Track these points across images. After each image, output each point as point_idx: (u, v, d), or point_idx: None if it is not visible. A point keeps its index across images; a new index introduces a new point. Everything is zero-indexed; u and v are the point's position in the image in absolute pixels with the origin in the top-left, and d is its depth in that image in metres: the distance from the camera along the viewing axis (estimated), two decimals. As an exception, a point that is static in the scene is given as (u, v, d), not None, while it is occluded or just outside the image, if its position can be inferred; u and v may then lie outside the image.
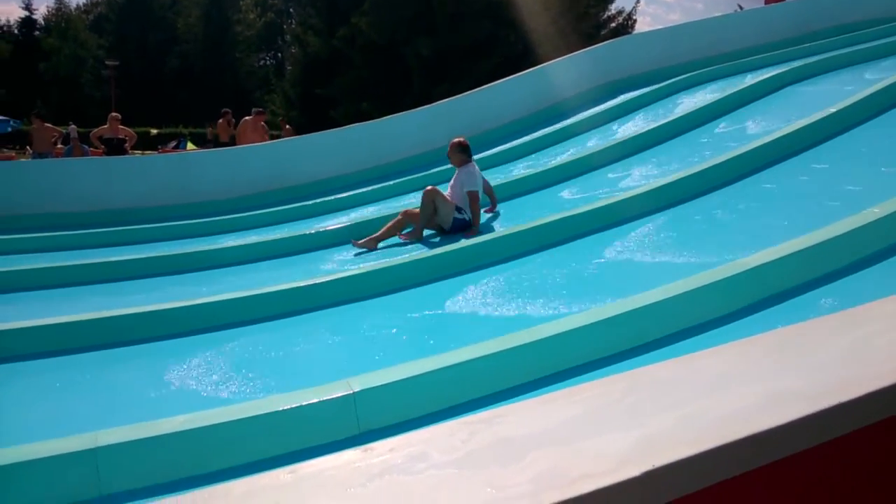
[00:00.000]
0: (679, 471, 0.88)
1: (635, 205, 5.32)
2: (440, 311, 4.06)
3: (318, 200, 8.36)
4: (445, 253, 5.01)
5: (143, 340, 3.93)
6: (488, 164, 8.79)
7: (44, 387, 3.39)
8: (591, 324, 3.18)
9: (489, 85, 11.11)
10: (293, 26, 48.57)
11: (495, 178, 7.86)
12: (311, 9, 35.75)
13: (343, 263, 5.50)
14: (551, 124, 9.94)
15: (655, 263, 4.25)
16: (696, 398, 1.09)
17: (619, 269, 4.34)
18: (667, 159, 6.80)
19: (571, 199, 6.37)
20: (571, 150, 8.37)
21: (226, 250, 6.22)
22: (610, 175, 6.87)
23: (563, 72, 11.31)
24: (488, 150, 9.42)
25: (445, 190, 5.94)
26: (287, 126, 17.67)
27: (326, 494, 0.80)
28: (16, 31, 57.89)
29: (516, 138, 9.72)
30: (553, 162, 7.89)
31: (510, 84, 11.02)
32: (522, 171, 7.82)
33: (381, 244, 5.75)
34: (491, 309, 3.97)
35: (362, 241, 5.71)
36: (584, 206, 5.52)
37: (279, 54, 59.00)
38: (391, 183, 8.72)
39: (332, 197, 8.44)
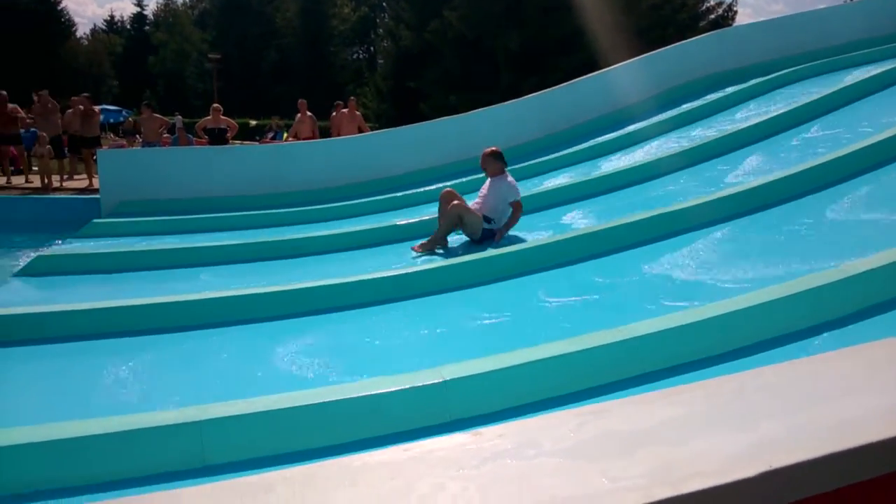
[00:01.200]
0: (795, 474, 0.86)
1: (729, 205, 5.13)
2: (529, 305, 4.06)
3: (407, 192, 8.50)
4: (533, 248, 5.00)
5: (242, 322, 4.12)
6: (586, 155, 8.70)
7: (148, 362, 3.62)
8: (689, 324, 3.10)
9: (583, 77, 10.96)
10: (386, 20, 49.37)
11: (595, 169, 7.81)
12: (404, 3, 36.25)
13: (432, 254, 5.58)
14: (649, 117, 9.72)
15: (756, 265, 4.09)
16: (811, 403, 1.06)
17: (715, 270, 4.20)
18: (771, 157, 6.51)
19: (662, 195, 6.21)
20: (668, 145, 8.15)
21: (317, 239, 6.42)
22: (706, 173, 6.66)
23: (664, 63, 11.00)
24: (583, 142, 9.33)
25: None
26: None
27: (440, 473, 0.83)
28: (128, 27, 61.64)
29: (611, 132, 9.55)
30: (642, 157, 7.72)
31: (608, 76, 10.83)
32: (618, 164, 7.69)
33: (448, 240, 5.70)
34: (582, 304, 3.94)
35: (419, 245, 5.61)
36: (675, 204, 5.37)
37: (371, 48, 60.05)
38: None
39: (422, 189, 8.55)
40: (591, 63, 17.21)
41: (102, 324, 4.04)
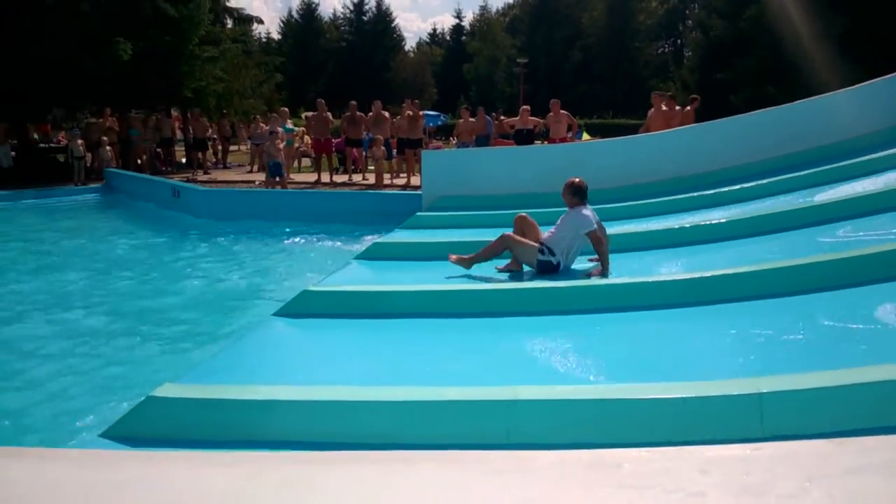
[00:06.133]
0: None
1: None
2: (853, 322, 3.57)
3: (713, 191, 7.99)
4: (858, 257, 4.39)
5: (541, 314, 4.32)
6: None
7: (458, 343, 3.96)
8: None
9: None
10: (696, 11, 46.93)
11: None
12: (718, -10, 34.12)
13: (741, 256, 5.22)
14: None
15: None
16: None
17: None
18: None
19: None
20: None
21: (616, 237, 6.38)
22: None
23: None
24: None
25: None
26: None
27: (800, 475, 0.79)
28: (448, 38, 67.60)
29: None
30: None
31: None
32: None
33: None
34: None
35: (456, 257, 5.50)
36: None
37: (678, 41, 57.57)
38: (801, 174, 7.89)
39: (727, 188, 7.98)
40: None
41: (431, 305, 4.53)
